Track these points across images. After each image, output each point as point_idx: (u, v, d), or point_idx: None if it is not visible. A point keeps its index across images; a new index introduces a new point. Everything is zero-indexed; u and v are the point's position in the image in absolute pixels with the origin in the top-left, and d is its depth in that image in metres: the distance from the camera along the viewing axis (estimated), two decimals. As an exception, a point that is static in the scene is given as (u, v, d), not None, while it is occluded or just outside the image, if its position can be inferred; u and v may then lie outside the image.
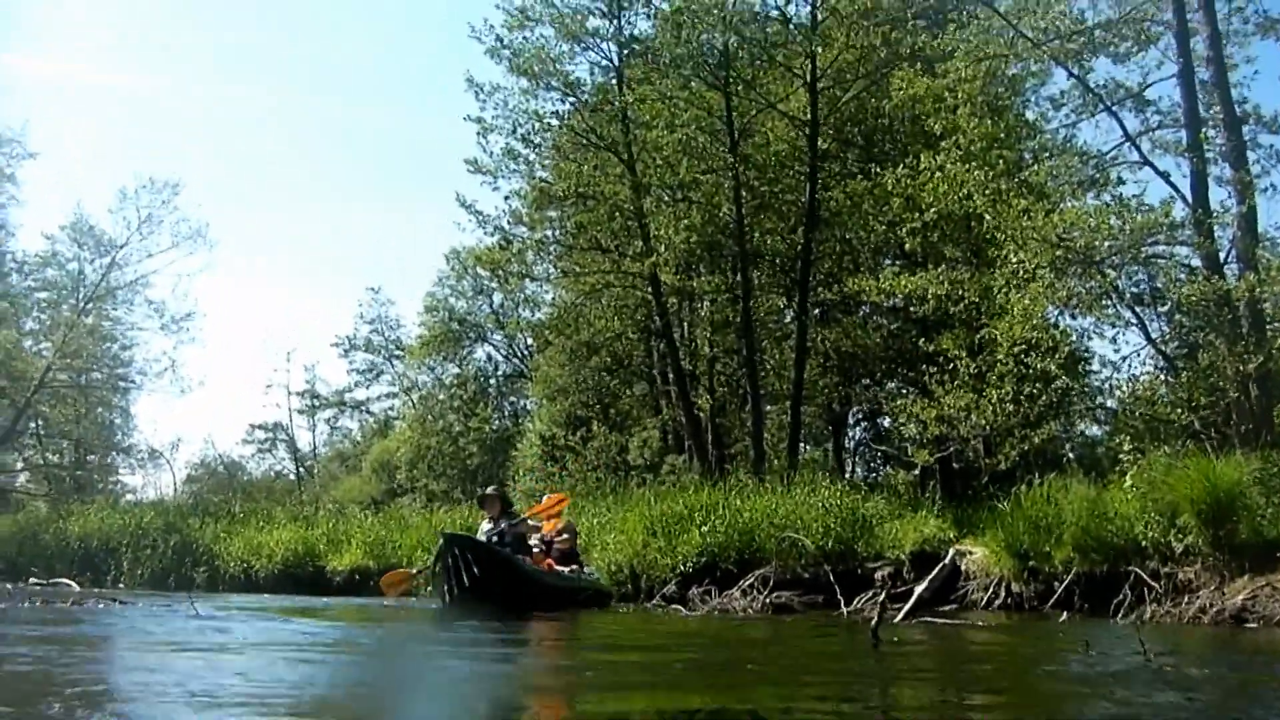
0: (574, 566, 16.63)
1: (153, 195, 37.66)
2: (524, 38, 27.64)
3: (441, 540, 14.51)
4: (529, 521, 16.42)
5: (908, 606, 12.59)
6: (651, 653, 9.74)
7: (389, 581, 17.33)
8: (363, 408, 61.75)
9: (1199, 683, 7.43)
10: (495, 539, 14.90)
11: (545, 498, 19.06)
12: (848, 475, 27.45)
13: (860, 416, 33.91)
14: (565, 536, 16.84)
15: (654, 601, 16.95)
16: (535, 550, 16.19)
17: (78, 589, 22.13)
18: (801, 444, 29.22)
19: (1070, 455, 24.30)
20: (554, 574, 15.77)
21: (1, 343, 34.78)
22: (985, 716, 6.14)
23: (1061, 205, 18.83)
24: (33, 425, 41.06)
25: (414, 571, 17.82)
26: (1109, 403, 21.80)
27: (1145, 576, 13.02)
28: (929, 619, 12.62)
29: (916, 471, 26.35)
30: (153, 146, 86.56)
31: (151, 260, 38.40)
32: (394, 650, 10.27)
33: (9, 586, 22.60)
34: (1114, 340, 20.33)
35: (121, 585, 24.84)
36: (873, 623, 9.54)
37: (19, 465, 42.70)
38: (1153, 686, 6.93)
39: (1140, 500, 13.89)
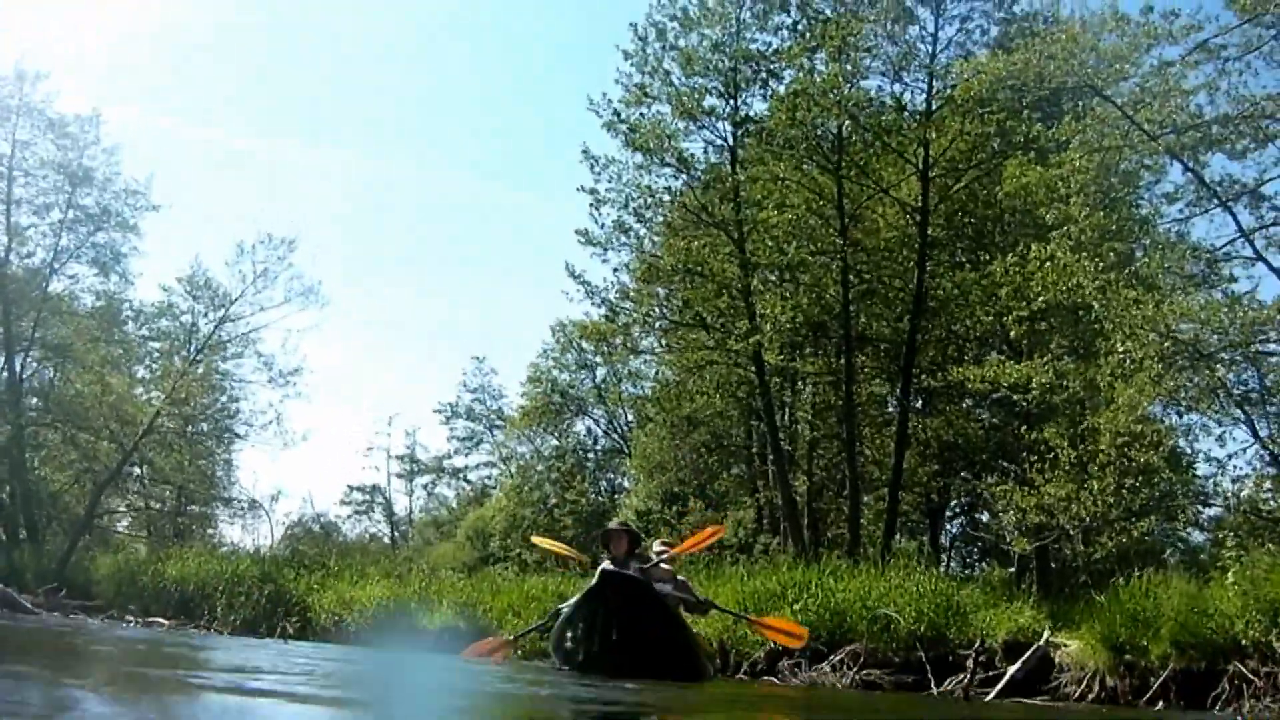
0: None
1: (269, 250, 38.22)
2: (641, 114, 28.08)
3: (597, 578, 11.23)
4: (662, 566, 13.37)
5: (1000, 685, 12.53)
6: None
7: (477, 650, 15.26)
8: (460, 475, 62.25)
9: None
10: None
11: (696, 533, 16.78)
12: (943, 569, 27.15)
13: (958, 510, 33.59)
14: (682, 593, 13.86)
15: (741, 673, 16.94)
16: None
17: (168, 625, 22.67)
18: (897, 534, 28.94)
19: (1171, 558, 23.95)
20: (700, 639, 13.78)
21: (114, 388, 35.57)
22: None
23: (1172, 299, 18.69)
24: (138, 471, 41.85)
25: (508, 639, 16.03)
26: (1213, 507, 21.54)
27: (1246, 673, 12.77)
28: (1021, 699, 12.53)
29: (1013, 569, 26.07)
30: (270, 207, 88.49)
31: (263, 314, 38.86)
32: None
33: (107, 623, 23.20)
34: (1220, 439, 20.04)
35: (214, 629, 25.17)
36: (964, 683, 9.54)
37: (121, 508, 43.50)
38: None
39: (1242, 598, 13.63)
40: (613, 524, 13.83)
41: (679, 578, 14.18)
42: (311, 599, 26.83)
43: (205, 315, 41.05)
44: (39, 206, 35.83)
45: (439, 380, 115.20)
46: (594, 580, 11.27)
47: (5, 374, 35.98)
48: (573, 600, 12.13)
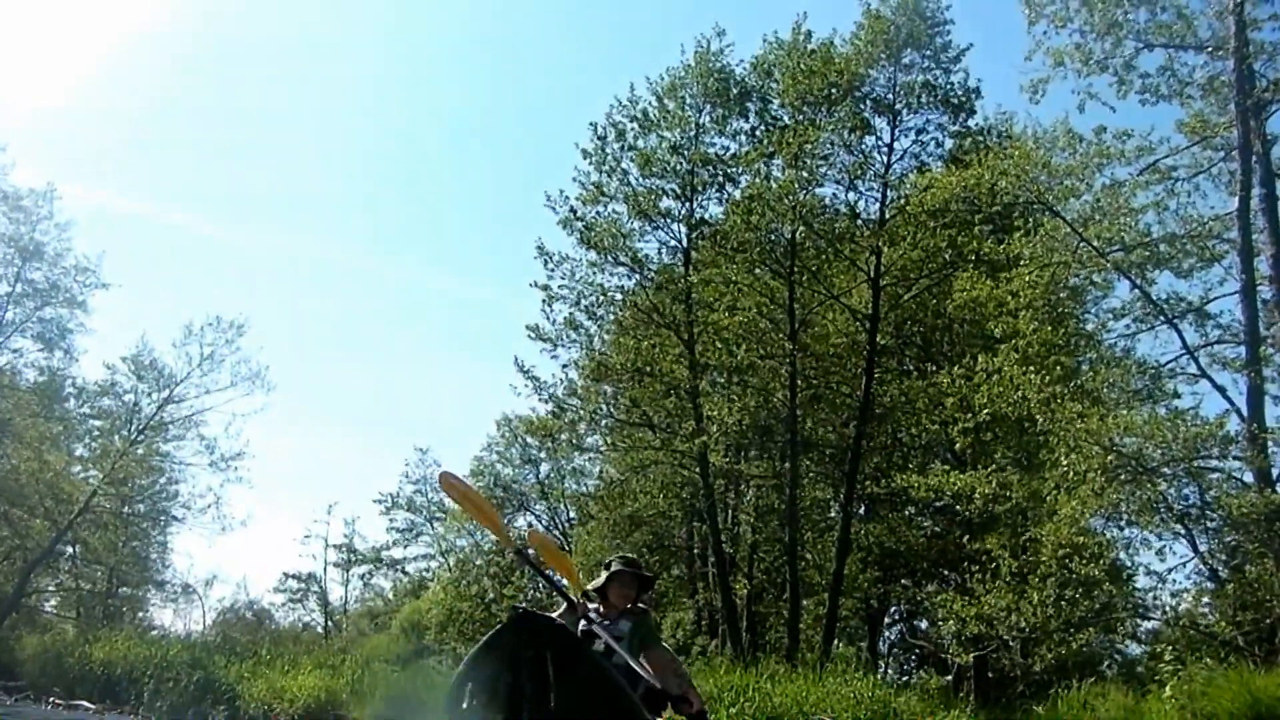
0: None
1: (217, 334, 38.23)
2: (597, 212, 28.27)
3: (511, 621, 6.45)
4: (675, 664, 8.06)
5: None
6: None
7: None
8: (398, 566, 61.50)
9: None
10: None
11: None
12: (881, 675, 27.04)
13: (898, 617, 33.54)
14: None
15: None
16: None
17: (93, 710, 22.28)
18: (836, 640, 28.85)
19: (1109, 670, 23.99)
20: None
21: (52, 465, 35.16)
22: None
23: (1116, 413, 18.86)
24: (70, 550, 41.21)
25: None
26: (1152, 620, 21.61)
27: (1181, 787, 12.80)
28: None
29: (950, 677, 25.99)
30: (222, 289, 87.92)
31: (208, 397, 38.77)
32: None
33: (31, 704, 22.76)
34: (1160, 552, 20.14)
35: (140, 714, 24.71)
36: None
37: (51, 588, 42.81)
38: None
39: (1179, 712, 13.67)
40: (621, 561, 8.04)
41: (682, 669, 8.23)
42: (241, 687, 26.44)
43: (149, 395, 40.71)
44: (-15, 280, 35.59)
45: (381, 470, 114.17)
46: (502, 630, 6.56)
47: (-59, 446, 35.53)
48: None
